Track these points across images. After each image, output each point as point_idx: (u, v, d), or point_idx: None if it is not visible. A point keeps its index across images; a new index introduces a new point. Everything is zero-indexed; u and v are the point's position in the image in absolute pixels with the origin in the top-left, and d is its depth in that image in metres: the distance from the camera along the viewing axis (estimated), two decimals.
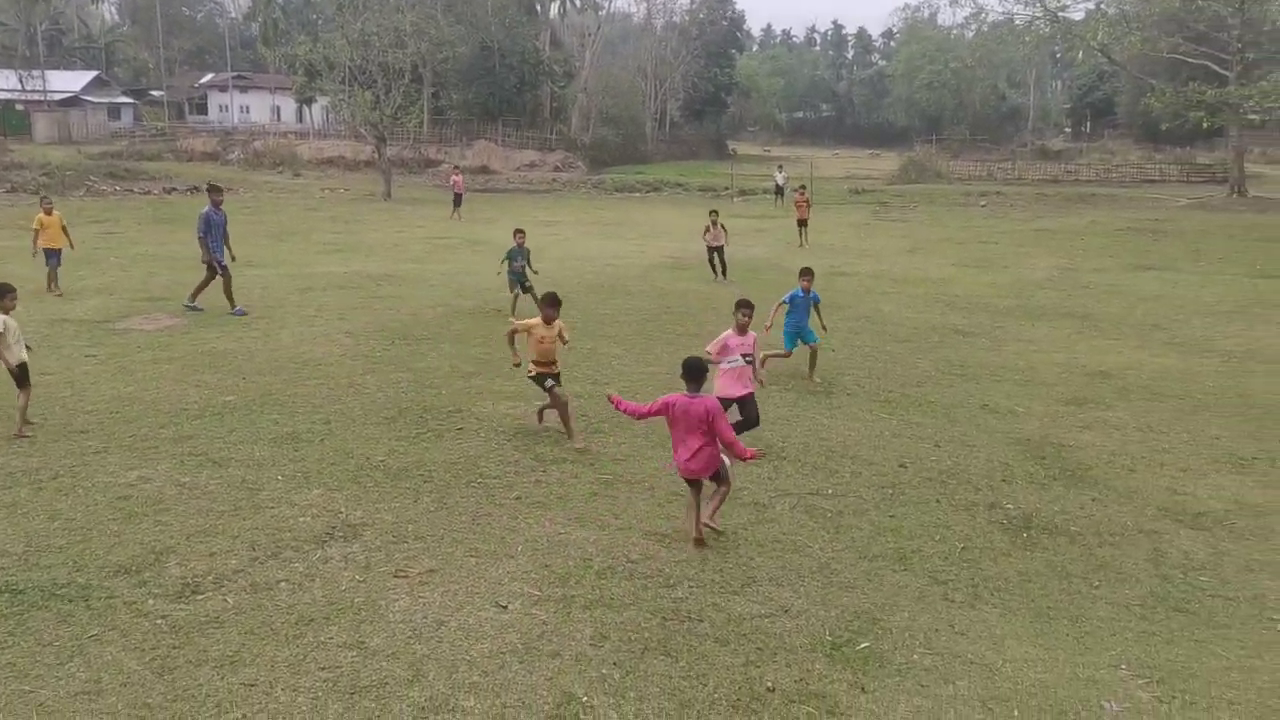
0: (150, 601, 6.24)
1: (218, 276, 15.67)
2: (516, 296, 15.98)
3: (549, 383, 9.54)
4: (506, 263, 16.04)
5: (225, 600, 6.30)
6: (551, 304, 9.56)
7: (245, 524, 7.50)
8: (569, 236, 28.93)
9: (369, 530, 7.45)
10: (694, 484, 7.39)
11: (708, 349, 8.93)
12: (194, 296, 15.80)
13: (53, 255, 17.25)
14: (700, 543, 7.27)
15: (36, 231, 17.30)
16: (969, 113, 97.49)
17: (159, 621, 6.00)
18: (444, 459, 9.06)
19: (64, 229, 17.63)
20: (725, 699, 5.36)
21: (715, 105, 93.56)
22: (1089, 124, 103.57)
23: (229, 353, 12.83)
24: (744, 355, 8.99)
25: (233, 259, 16.03)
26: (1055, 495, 8.48)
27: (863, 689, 5.48)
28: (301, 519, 7.62)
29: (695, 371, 7.29)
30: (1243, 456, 9.67)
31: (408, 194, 43.51)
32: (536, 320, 9.56)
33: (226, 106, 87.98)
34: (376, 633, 5.96)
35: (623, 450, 9.43)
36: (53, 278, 17.14)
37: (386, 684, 5.42)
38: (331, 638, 5.89)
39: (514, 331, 9.72)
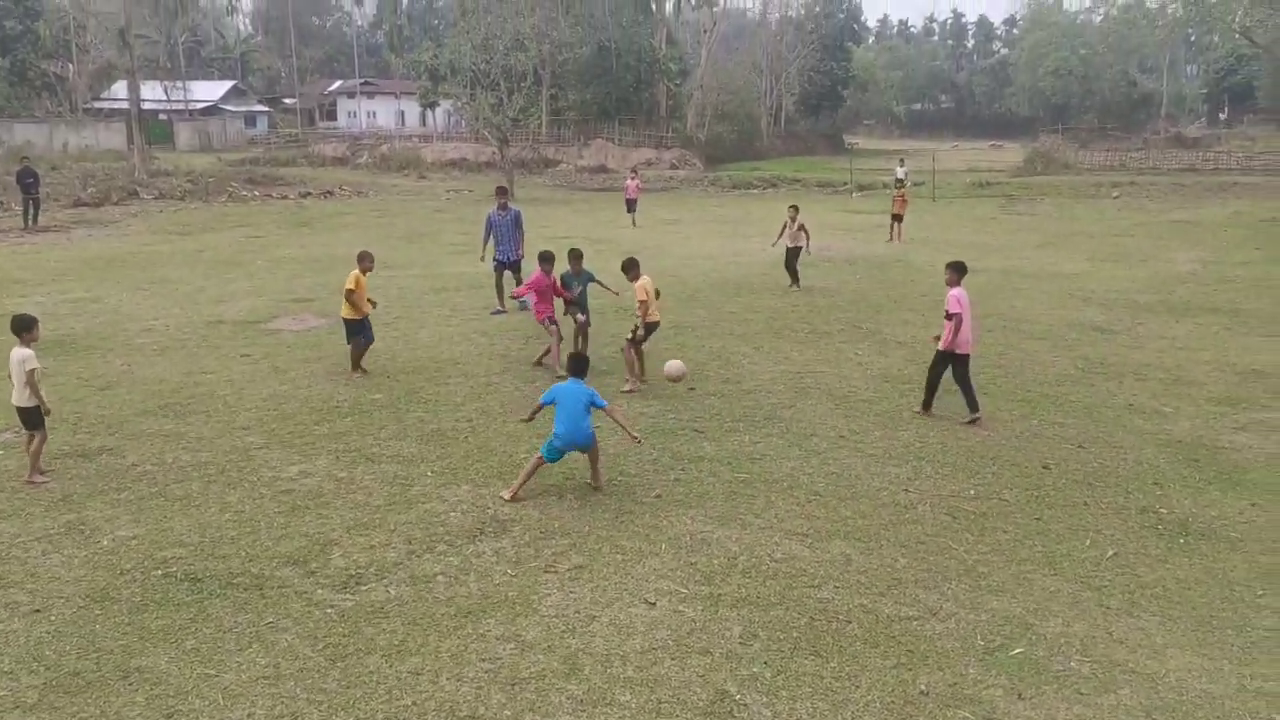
0: (319, 591, 6.59)
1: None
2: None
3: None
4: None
5: (388, 591, 6.60)
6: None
7: (400, 518, 7.82)
8: (691, 235, 28.98)
9: (517, 526, 7.68)
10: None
11: None
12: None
13: (358, 328, 12.06)
14: None
15: (351, 291, 11.80)
16: (1097, 100, 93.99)
17: (328, 610, 6.33)
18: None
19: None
20: (879, 701, 5.37)
21: (831, 100, 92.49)
22: (1227, 110, 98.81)
23: (373, 352, 13.26)
24: None
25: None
26: (1212, 499, 8.20)
27: (1019, 695, 5.43)
28: (452, 514, 7.90)
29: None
30: None
31: (528, 194, 44.14)
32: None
33: (354, 112, 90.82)
34: (531, 626, 6.16)
35: (759, 449, 9.48)
36: (358, 357, 12.28)
37: (544, 676, 5.61)
38: (489, 630, 6.11)
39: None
